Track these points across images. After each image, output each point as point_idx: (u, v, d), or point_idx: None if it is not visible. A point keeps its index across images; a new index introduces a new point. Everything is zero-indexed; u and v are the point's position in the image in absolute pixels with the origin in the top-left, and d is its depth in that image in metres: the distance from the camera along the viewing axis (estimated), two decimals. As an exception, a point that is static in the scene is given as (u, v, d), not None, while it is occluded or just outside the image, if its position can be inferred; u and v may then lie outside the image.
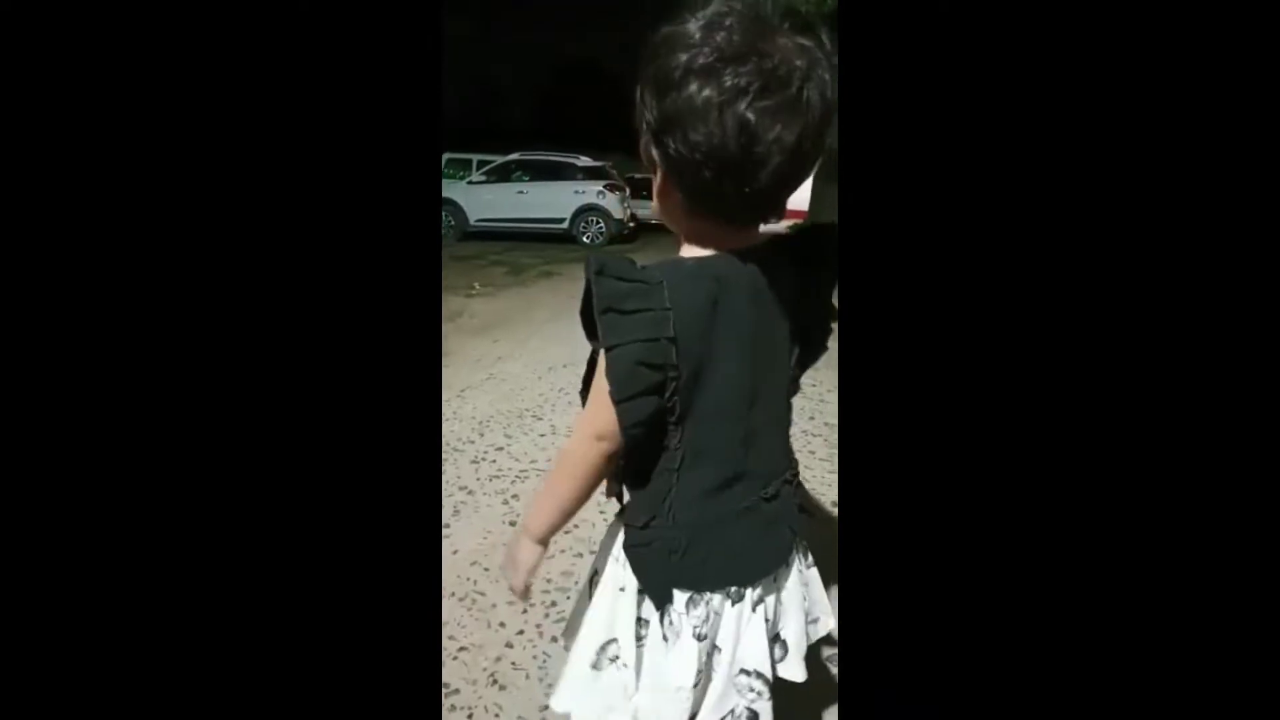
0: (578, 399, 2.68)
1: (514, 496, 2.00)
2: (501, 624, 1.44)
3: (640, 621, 0.73)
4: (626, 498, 0.76)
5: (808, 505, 0.81)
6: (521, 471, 2.18)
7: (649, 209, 11.46)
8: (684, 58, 0.54)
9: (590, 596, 0.80)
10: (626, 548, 0.73)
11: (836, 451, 2.30)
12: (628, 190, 10.06)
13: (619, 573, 0.74)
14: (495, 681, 1.27)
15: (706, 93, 0.53)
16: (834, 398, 2.90)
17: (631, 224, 10.01)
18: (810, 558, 0.82)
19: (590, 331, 0.65)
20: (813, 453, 2.34)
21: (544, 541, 0.75)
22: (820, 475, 2.15)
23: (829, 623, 0.84)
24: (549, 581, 1.58)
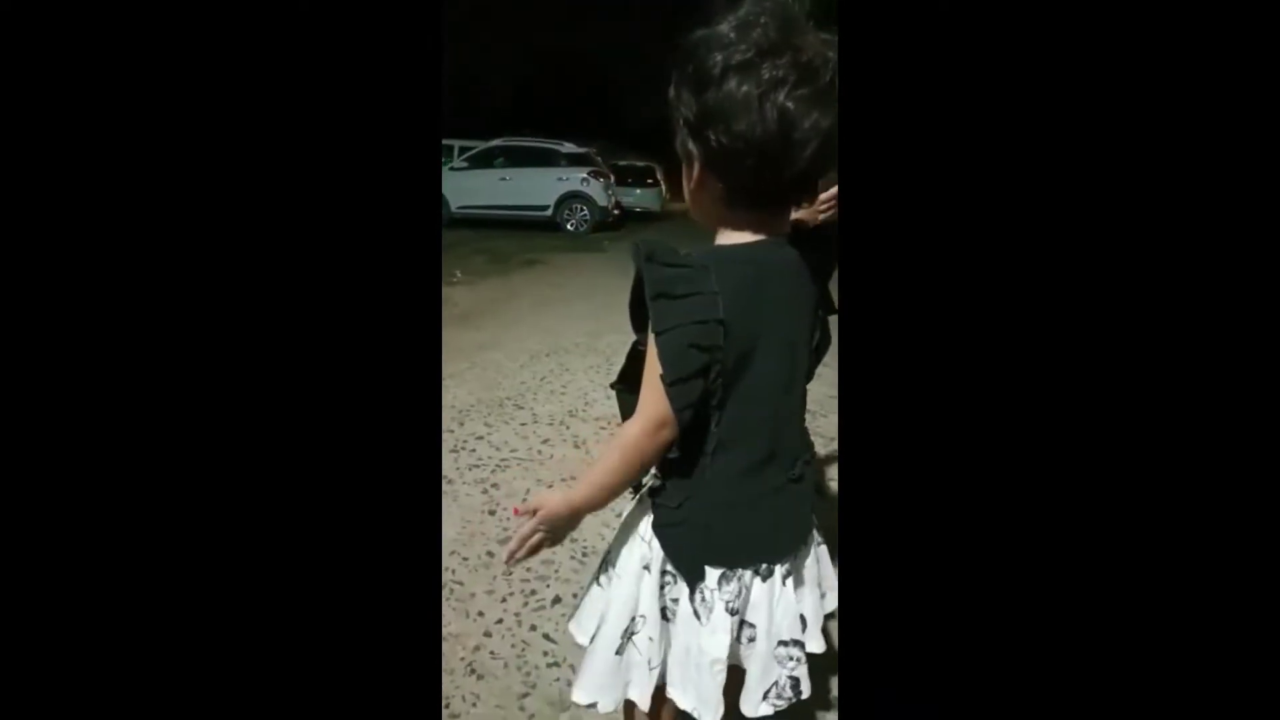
0: (560, 388, 2.66)
1: (494, 485, 2.00)
2: (480, 613, 1.44)
3: (666, 598, 0.75)
4: (648, 483, 0.78)
5: (821, 484, 0.83)
6: (502, 460, 2.17)
7: (633, 196, 11.44)
8: (720, 56, 0.58)
9: (598, 583, 0.81)
10: (658, 528, 0.75)
11: (827, 446, 2.32)
12: (612, 177, 9.99)
13: (644, 552, 0.76)
14: (473, 671, 1.28)
15: (746, 87, 0.58)
16: (814, 386, 2.92)
17: (616, 211, 9.96)
18: (820, 535, 0.86)
19: (637, 322, 0.68)
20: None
21: (580, 516, 0.74)
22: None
23: (833, 598, 0.88)
24: (528, 570, 1.58)
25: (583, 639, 0.83)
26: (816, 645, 0.82)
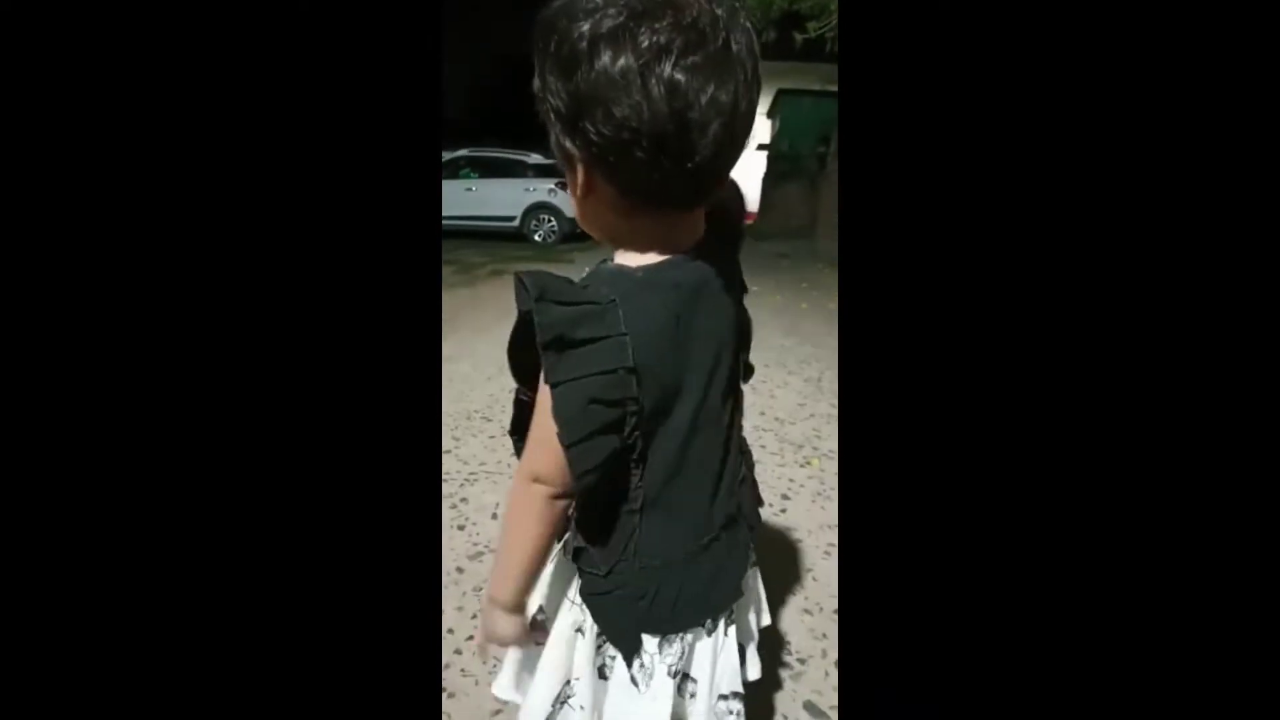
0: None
1: (462, 500, 1.96)
2: (450, 630, 1.40)
3: (604, 656, 0.70)
4: (569, 541, 0.69)
5: (758, 496, 0.78)
6: (470, 475, 2.13)
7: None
8: (586, 26, 0.45)
9: (534, 640, 0.75)
10: (586, 596, 0.66)
11: (797, 453, 2.33)
12: (579, 189, 10.00)
13: (575, 615, 0.68)
14: (444, 688, 1.24)
15: (623, 60, 0.45)
16: (783, 394, 2.94)
17: (583, 223, 9.97)
18: (754, 554, 0.80)
19: (517, 369, 0.59)
20: (764, 447, 2.37)
21: (520, 607, 0.66)
22: (771, 469, 2.18)
23: (765, 617, 0.85)
24: (499, 585, 1.55)
25: (512, 696, 0.77)
26: (755, 672, 0.78)
